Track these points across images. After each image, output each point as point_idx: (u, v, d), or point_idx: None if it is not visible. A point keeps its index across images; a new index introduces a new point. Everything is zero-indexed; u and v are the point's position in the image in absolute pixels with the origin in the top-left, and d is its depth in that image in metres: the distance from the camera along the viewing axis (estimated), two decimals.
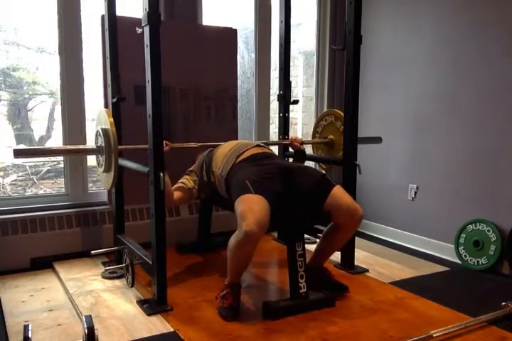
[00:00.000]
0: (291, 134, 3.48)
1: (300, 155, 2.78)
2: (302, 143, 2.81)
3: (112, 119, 2.20)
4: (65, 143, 2.95)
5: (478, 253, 2.83)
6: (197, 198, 2.69)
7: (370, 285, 2.50)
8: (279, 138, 3.18)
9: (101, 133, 2.20)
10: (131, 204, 2.92)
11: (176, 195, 2.47)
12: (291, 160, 3.15)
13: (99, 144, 2.27)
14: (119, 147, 2.23)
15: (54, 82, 3.20)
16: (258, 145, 2.50)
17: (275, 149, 3.19)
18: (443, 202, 3.09)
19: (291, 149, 2.96)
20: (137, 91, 2.83)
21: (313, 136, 3.08)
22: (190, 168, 2.64)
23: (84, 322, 1.62)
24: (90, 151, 2.38)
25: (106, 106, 2.73)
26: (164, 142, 2.21)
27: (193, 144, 2.61)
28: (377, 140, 3.04)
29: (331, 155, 2.93)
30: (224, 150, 2.47)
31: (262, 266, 2.78)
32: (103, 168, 2.27)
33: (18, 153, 2.10)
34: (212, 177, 2.48)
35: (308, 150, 3.05)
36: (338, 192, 2.23)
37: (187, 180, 2.56)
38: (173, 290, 2.27)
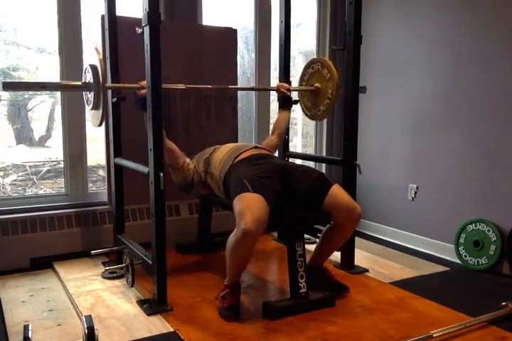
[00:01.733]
0: (292, 134, 3.48)
1: (286, 102, 2.87)
2: (289, 89, 2.86)
3: (101, 56, 2.14)
4: (64, 144, 2.95)
5: (478, 253, 2.83)
6: (191, 188, 2.65)
7: (370, 285, 2.50)
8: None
9: (89, 70, 2.14)
10: (131, 204, 2.92)
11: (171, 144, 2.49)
12: (291, 160, 3.15)
13: (87, 81, 2.21)
14: (108, 85, 2.22)
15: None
16: (256, 147, 2.50)
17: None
18: (443, 202, 3.09)
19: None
20: (137, 92, 2.82)
21: (300, 84, 3.02)
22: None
23: (84, 322, 1.62)
24: (79, 87, 2.32)
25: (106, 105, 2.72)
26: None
27: (180, 86, 2.51)
28: (362, 89, 2.96)
29: (315, 103, 2.87)
30: (221, 153, 2.47)
31: (262, 266, 2.78)
32: (91, 105, 2.21)
33: (7, 86, 2.08)
34: (209, 178, 2.47)
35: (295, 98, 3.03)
36: (336, 191, 2.23)
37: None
38: (173, 290, 2.27)
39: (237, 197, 2.07)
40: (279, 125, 2.86)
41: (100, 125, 2.28)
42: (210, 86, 2.75)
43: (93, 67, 2.11)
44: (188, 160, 2.61)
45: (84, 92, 2.34)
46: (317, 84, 2.82)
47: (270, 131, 2.96)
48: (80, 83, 2.24)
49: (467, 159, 2.93)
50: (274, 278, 2.68)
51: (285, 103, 2.89)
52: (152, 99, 2.04)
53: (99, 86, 2.09)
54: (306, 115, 3.02)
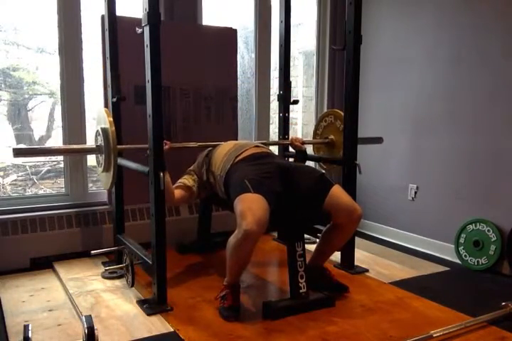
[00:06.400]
0: (292, 134, 3.47)
1: (301, 155, 2.77)
2: (303, 142, 2.81)
3: (112, 119, 2.20)
4: (65, 143, 2.94)
5: (478, 253, 2.83)
6: (197, 197, 2.69)
7: (370, 285, 2.50)
8: (279, 138, 3.18)
9: (100, 133, 2.20)
10: (131, 204, 2.92)
11: (177, 193, 2.46)
12: (291, 159, 3.15)
13: (98, 143, 2.27)
14: (119, 146, 2.23)
15: (54, 82, 3.20)
16: (257, 146, 2.50)
17: (275, 149, 3.19)
18: (443, 202, 3.09)
19: (291, 149, 2.95)
20: (137, 92, 2.83)
21: (314, 138, 3.08)
22: (190, 168, 2.65)
23: (84, 322, 1.62)
24: (90, 151, 2.39)
25: (106, 106, 2.73)
26: (164, 141, 2.22)
27: (192, 144, 2.61)
28: (378, 140, 3.02)
29: (332, 155, 2.92)
30: (223, 151, 2.47)
31: (262, 266, 2.78)
32: (102, 167, 2.27)
33: (17, 153, 2.11)
34: (211, 177, 2.48)
35: (309, 151, 3.03)
36: (337, 191, 2.23)
37: (186, 179, 2.56)
38: (173, 290, 2.27)
39: (238, 197, 2.07)
40: None
41: (111, 187, 2.31)
42: (222, 143, 2.67)
43: (104, 130, 2.17)
44: (188, 180, 2.55)
45: (95, 155, 2.39)
46: (331, 137, 2.84)
47: None
48: (93, 147, 2.31)
49: (467, 159, 2.93)
50: (274, 278, 2.68)
51: (299, 156, 2.76)
52: (152, 98, 2.04)
53: (110, 149, 2.12)
54: (324, 169, 3.03)
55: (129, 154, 2.55)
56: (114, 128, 2.16)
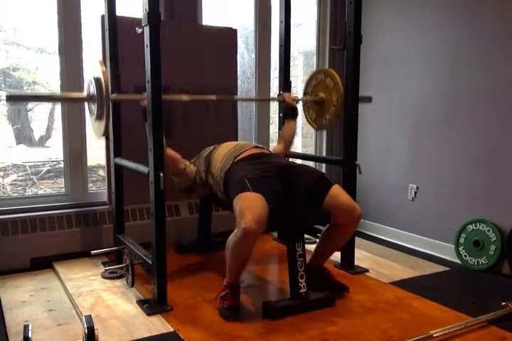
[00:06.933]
0: None
1: (291, 112, 2.80)
2: (294, 99, 2.82)
3: (104, 68, 2.13)
4: (65, 145, 2.94)
5: (478, 253, 2.83)
6: (191, 192, 2.67)
7: (370, 285, 2.50)
8: (278, 137, 3.17)
9: (93, 82, 2.15)
10: (131, 204, 2.92)
11: (169, 151, 2.44)
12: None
13: (91, 93, 2.21)
14: (112, 96, 2.20)
15: (54, 82, 3.20)
16: (256, 146, 2.51)
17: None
18: (443, 202, 3.09)
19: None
20: (137, 91, 2.83)
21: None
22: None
23: (84, 322, 1.62)
24: (82, 99, 2.33)
25: None
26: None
27: (184, 97, 2.54)
28: (368, 99, 2.94)
29: (321, 113, 2.86)
30: (222, 152, 2.47)
31: (261, 265, 2.78)
32: (95, 115, 2.21)
33: (10, 98, 2.08)
34: (210, 179, 2.48)
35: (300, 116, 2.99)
36: (337, 191, 2.23)
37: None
38: (173, 290, 2.27)
39: (237, 196, 2.07)
40: (287, 136, 2.78)
41: (104, 135, 2.28)
42: (213, 97, 2.69)
43: (97, 80, 2.11)
44: (187, 162, 2.61)
45: (87, 103, 2.32)
46: (321, 95, 2.81)
47: (277, 142, 2.89)
48: (84, 95, 2.25)
49: (467, 159, 2.93)
50: (274, 278, 2.68)
51: (290, 113, 2.81)
52: (152, 98, 2.05)
53: (103, 98, 2.09)
54: (313, 127, 2.99)
55: (129, 154, 2.56)
56: (107, 77, 2.10)
